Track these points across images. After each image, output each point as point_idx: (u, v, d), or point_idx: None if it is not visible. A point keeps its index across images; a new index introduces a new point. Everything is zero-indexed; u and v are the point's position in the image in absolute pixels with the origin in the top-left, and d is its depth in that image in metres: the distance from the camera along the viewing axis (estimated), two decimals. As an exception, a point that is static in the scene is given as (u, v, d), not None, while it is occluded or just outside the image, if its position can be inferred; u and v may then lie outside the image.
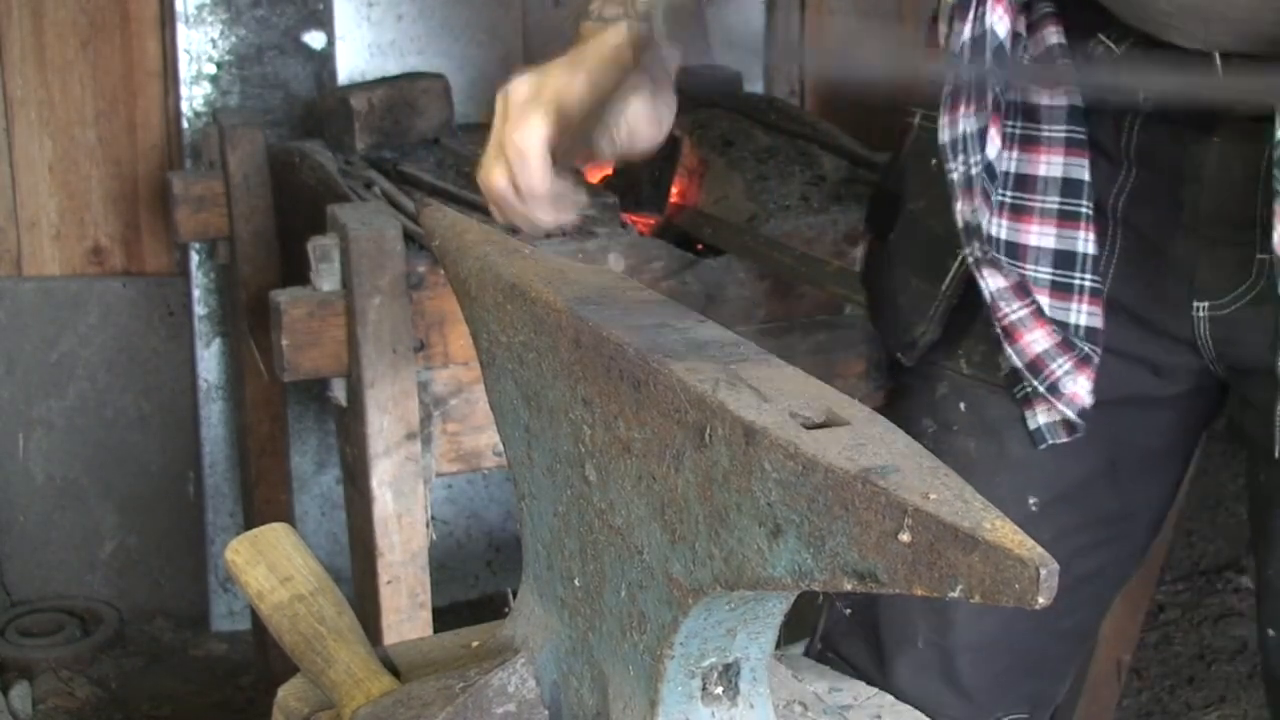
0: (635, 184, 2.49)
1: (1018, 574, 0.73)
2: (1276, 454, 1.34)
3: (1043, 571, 0.73)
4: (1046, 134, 1.37)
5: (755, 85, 3.24)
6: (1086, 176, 1.36)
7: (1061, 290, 1.37)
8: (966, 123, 1.32)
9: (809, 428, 0.86)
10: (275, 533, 1.30)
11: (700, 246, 2.28)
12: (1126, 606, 2.52)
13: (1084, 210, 1.36)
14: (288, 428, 2.93)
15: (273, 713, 1.25)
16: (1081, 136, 1.36)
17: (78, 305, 3.06)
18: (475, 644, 1.27)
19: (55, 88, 2.96)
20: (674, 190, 2.52)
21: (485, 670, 1.14)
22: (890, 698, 1.30)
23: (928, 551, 0.77)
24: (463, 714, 1.11)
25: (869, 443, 0.84)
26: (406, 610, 2.10)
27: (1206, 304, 1.35)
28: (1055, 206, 1.37)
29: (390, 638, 2.06)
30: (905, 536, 0.78)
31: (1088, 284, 1.37)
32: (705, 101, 2.80)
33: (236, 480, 3.04)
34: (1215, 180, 1.31)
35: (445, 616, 2.23)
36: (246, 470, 2.91)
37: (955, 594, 0.76)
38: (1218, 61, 1.25)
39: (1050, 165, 1.37)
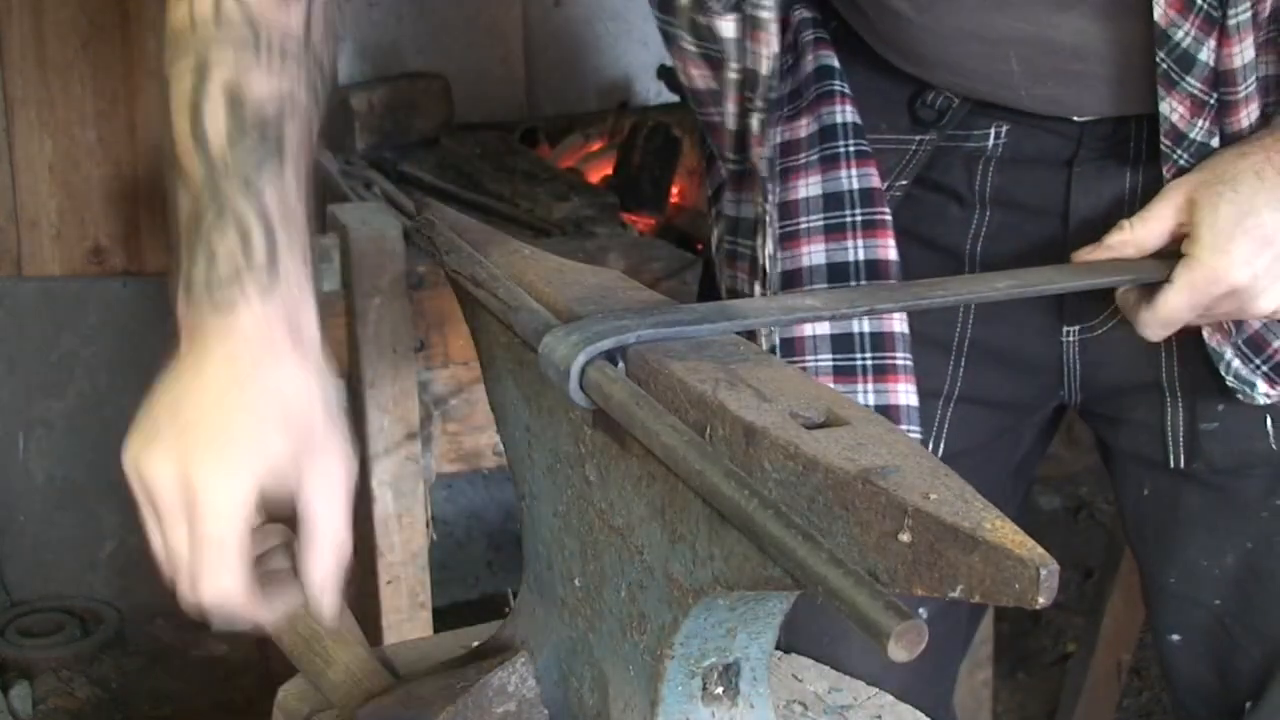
0: (635, 184, 2.50)
1: (1018, 574, 0.73)
2: (1172, 464, 1.38)
3: (1043, 571, 0.72)
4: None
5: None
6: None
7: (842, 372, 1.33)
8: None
9: (809, 428, 0.86)
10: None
11: (700, 246, 2.28)
12: (1126, 606, 2.52)
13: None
14: (288, 428, 2.92)
15: (273, 713, 1.25)
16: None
17: (78, 305, 3.05)
18: (475, 644, 1.27)
19: (55, 88, 2.96)
20: (674, 190, 2.52)
21: (485, 670, 1.13)
22: (890, 698, 1.29)
23: (928, 551, 0.77)
24: (463, 714, 1.10)
25: (869, 443, 0.84)
26: (406, 610, 2.10)
27: (1077, 328, 1.37)
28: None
29: (390, 638, 2.06)
30: (905, 536, 0.78)
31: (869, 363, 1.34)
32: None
33: (236, 480, 3.04)
34: (1080, 208, 1.33)
35: (445, 616, 2.23)
36: (246, 470, 2.91)
37: (955, 594, 0.76)
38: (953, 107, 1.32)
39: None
